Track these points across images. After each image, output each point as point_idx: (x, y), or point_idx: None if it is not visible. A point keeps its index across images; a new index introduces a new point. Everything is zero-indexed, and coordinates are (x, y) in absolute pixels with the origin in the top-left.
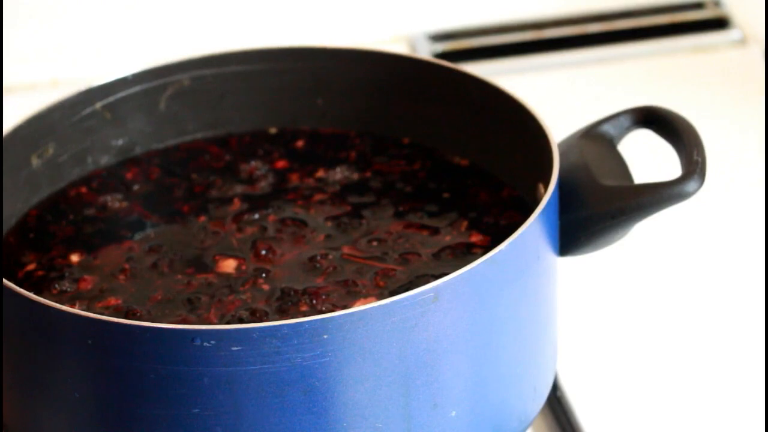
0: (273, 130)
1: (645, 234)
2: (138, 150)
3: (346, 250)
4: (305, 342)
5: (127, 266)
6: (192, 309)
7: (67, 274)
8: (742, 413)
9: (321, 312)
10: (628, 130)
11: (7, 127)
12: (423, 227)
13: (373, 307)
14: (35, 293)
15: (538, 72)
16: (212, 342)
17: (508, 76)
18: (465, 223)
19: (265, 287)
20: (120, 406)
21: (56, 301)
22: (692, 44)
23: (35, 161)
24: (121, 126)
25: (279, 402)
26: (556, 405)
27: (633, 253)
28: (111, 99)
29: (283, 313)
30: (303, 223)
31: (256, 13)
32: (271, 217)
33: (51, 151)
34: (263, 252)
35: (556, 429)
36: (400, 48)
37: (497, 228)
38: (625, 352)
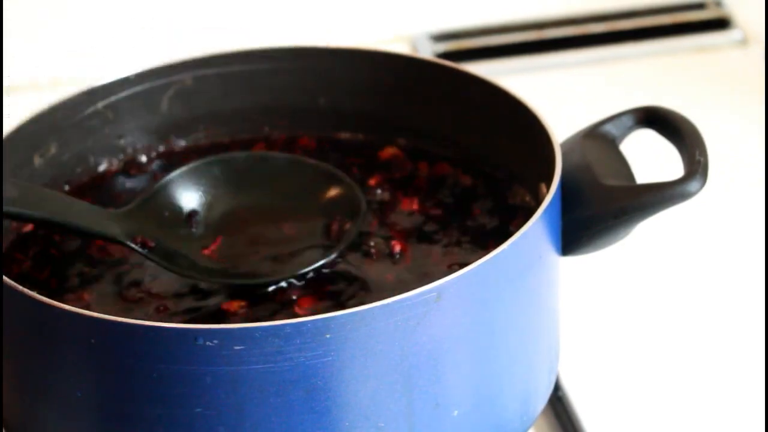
0: (275, 130)
1: (647, 234)
2: (140, 149)
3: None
4: (307, 341)
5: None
6: None
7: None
8: (743, 413)
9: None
10: (630, 130)
11: (10, 126)
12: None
13: (376, 307)
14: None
15: (540, 72)
16: (215, 341)
17: (510, 76)
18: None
19: None
20: (122, 405)
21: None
22: (694, 44)
23: (37, 161)
24: (123, 126)
25: (281, 401)
26: (558, 405)
27: (635, 253)
28: (113, 99)
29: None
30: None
31: (258, 13)
32: None
33: (53, 150)
34: None
35: (557, 429)
36: (402, 48)
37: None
38: (626, 352)
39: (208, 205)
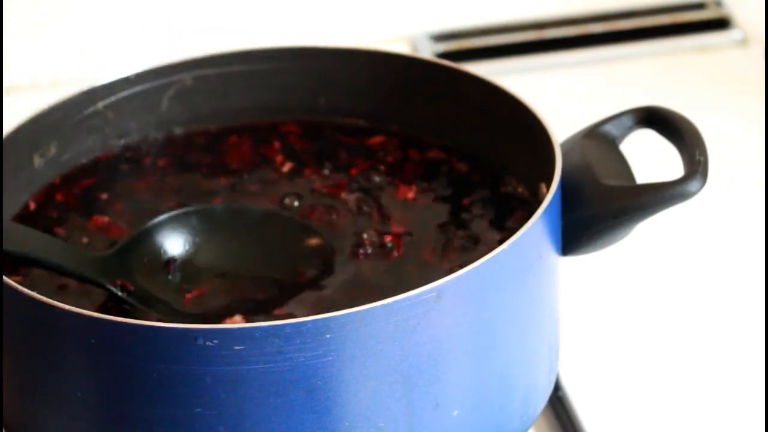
0: (274, 132)
1: (647, 234)
2: (140, 149)
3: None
4: (308, 341)
5: None
6: None
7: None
8: (742, 413)
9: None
10: (630, 130)
11: (10, 126)
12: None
13: (376, 307)
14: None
15: (540, 72)
16: (215, 341)
17: (510, 76)
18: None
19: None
20: (122, 405)
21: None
22: (694, 44)
23: (37, 160)
24: (123, 126)
25: (281, 401)
26: (558, 405)
27: (635, 253)
28: (113, 98)
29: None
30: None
31: (259, 13)
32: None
33: (53, 150)
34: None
35: (557, 429)
36: (402, 48)
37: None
38: (626, 352)
39: (186, 253)
